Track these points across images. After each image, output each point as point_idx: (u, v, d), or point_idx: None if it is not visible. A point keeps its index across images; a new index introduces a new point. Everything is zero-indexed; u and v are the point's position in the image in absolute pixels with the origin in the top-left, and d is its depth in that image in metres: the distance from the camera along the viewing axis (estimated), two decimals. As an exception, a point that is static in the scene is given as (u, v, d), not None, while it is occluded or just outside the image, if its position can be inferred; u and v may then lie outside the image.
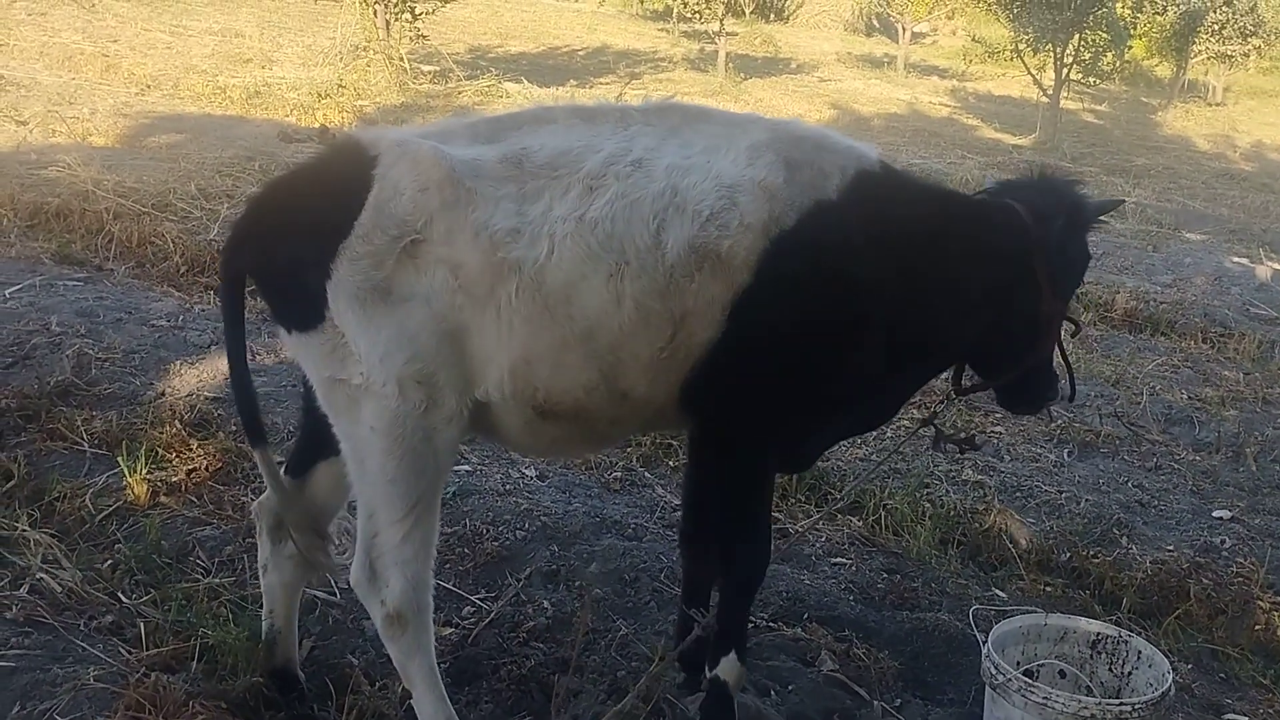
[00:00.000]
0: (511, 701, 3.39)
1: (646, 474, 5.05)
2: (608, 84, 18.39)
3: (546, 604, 3.88)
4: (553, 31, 24.64)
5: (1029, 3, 19.16)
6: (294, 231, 2.83)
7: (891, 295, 2.96)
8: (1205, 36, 25.32)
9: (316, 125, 11.87)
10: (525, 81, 16.38)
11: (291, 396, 5.06)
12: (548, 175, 2.79)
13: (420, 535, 2.86)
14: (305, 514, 3.16)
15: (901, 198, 3.11)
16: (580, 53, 22.12)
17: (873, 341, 2.99)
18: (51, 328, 5.42)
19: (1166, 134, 22.28)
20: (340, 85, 13.99)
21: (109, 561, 3.79)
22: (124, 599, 3.60)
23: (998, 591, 4.42)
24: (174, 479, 4.30)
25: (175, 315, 5.96)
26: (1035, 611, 3.71)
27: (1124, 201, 3.97)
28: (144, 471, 4.23)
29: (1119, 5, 21.30)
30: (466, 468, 4.73)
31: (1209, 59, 26.47)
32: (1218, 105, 26.90)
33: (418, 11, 16.35)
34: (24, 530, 3.80)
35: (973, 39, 24.18)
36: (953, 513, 4.92)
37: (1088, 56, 19.74)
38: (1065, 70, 19.42)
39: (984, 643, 3.34)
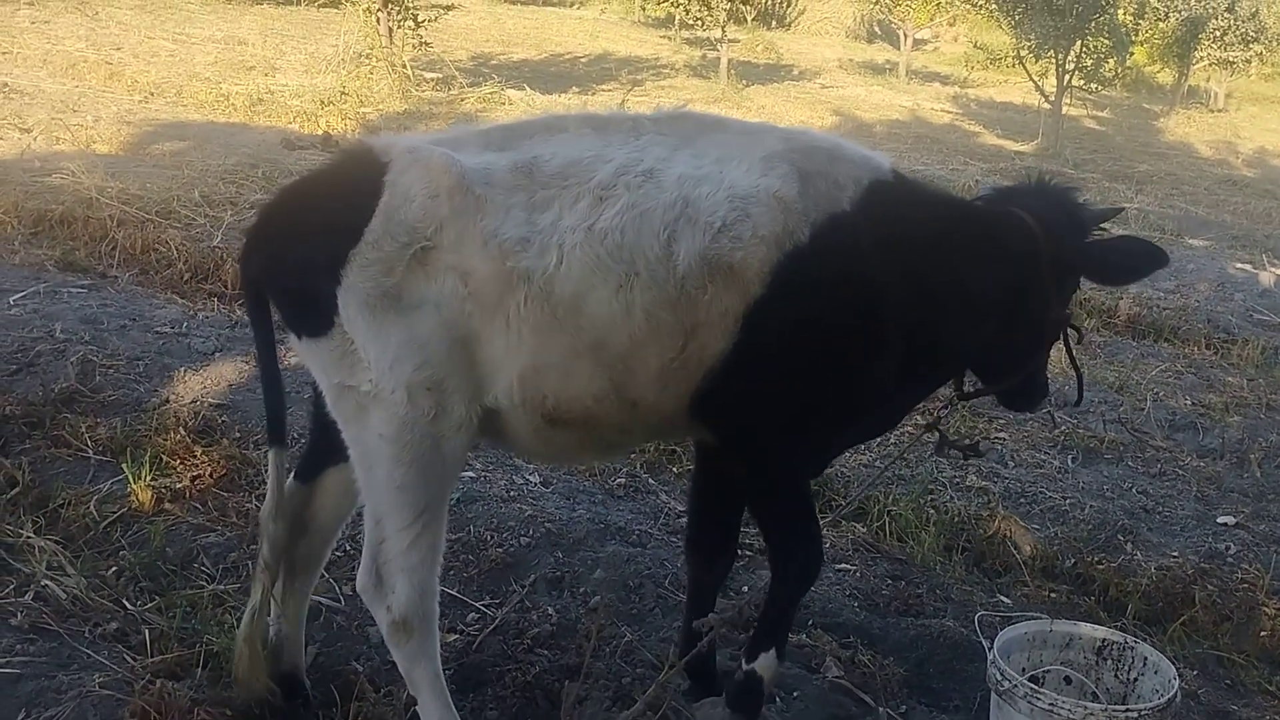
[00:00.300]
0: (516, 708, 3.39)
1: (650, 480, 5.05)
2: (610, 91, 18.42)
3: (551, 610, 3.88)
4: (555, 39, 24.67)
5: (1031, 9, 19.16)
6: (305, 237, 2.83)
7: (906, 305, 2.96)
8: (1207, 43, 25.35)
9: (320, 132, 11.89)
10: (528, 88, 16.41)
11: (295, 402, 5.05)
12: (558, 184, 2.78)
13: (427, 542, 2.86)
14: (289, 532, 3.14)
15: (915, 207, 3.10)
16: (582, 60, 22.14)
17: (887, 351, 2.98)
18: (56, 334, 5.43)
19: (1169, 140, 22.28)
20: (343, 92, 14.01)
21: (114, 568, 3.79)
22: (129, 606, 3.60)
23: (1002, 598, 4.42)
24: (178, 486, 4.30)
25: (179, 322, 5.96)
26: (1041, 618, 3.70)
27: (1123, 209, 3.97)
28: (148, 478, 4.23)
29: (1121, 12, 21.36)
30: (470, 474, 4.73)
31: (1211, 65, 26.49)
32: (1220, 111, 26.91)
33: (420, 19, 16.37)
34: (29, 537, 3.80)
35: (974, 45, 24.27)
36: (957, 519, 4.92)
37: (1090, 63, 19.75)
38: (1067, 77, 19.42)
39: (989, 649, 3.33)
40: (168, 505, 4.19)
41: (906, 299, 2.96)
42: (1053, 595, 4.45)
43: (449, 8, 17.50)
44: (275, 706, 3.18)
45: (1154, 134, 22.93)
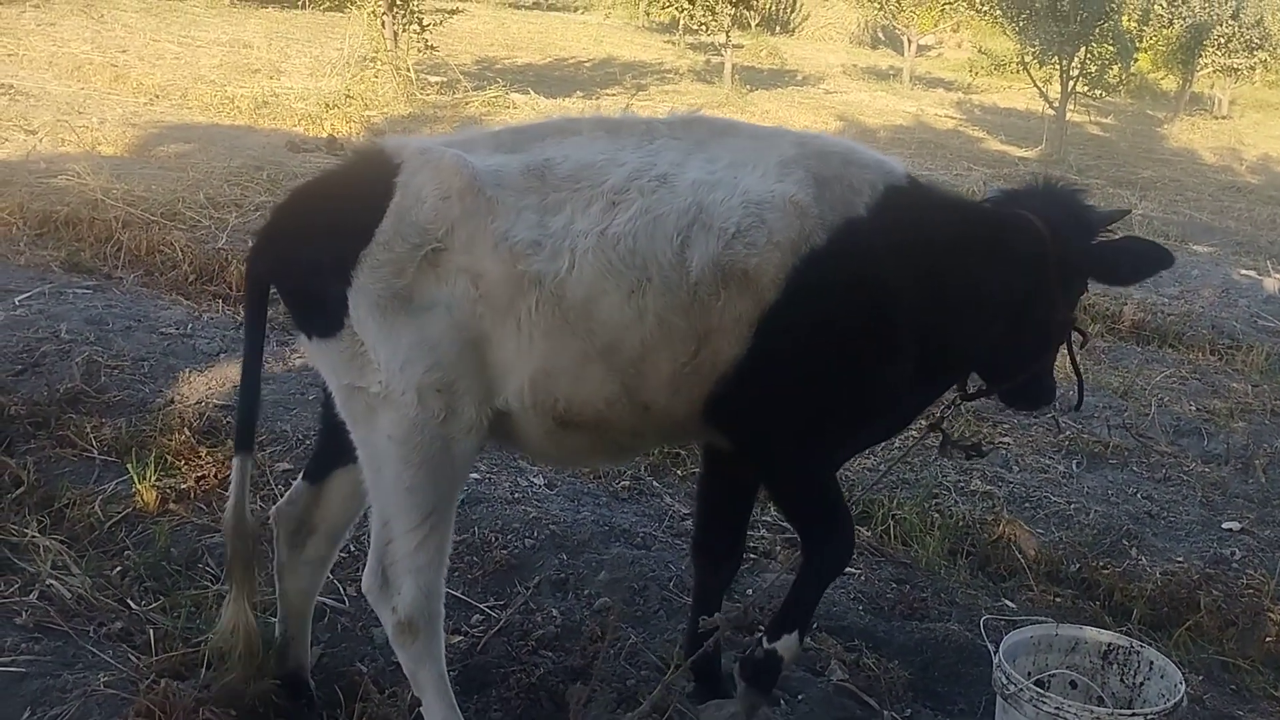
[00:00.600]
0: (520, 709, 3.38)
1: (655, 483, 5.04)
2: (614, 95, 18.44)
3: (555, 612, 3.88)
4: (559, 43, 24.71)
5: (1035, 15, 19.20)
6: (316, 238, 2.83)
7: (921, 309, 2.95)
8: (1211, 50, 25.36)
9: (324, 135, 11.91)
10: (532, 93, 16.43)
11: (300, 404, 5.07)
12: (570, 187, 2.77)
13: (434, 543, 2.85)
14: (253, 546, 3.11)
15: (929, 212, 3.09)
16: (586, 64, 22.17)
17: (901, 355, 2.97)
18: (61, 335, 5.43)
19: (1172, 147, 22.29)
20: (348, 96, 14.03)
21: (118, 568, 3.79)
22: (133, 605, 3.60)
23: (1007, 602, 4.41)
24: (183, 486, 4.30)
25: (184, 323, 5.96)
26: (1046, 622, 3.70)
27: (1130, 212, 3.97)
28: (153, 479, 4.23)
29: (1125, 18, 21.37)
30: (475, 475, 4.72)
31: (1215, 72, 26.50)
32: (1224, 118, 26.90)
33: (425, 23, 16.40)
34: (34, 537, 3.80)
35: (979, 51, 24.29)
36: (961, 523, 4.91)
37: (1094, 69, 19.78)
38: (1071, 83, 19.44)
39: (995, 653, 3.32)
40: (172, 506, 4.19)
41: (920, 302, 2.95)
42: (1058, 600, 4.44)
43: (454, 12, 17.54)
44: (280, 706, 3.18)
45: (1158, 140, 22.94)
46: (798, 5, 34.89)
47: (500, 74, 18.10)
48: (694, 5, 21.05)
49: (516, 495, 4.62)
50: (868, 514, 4.91)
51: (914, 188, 3.08)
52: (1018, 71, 20.78)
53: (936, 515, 4.93)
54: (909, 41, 26.72)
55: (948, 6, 25.89)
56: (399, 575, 2.87)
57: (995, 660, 3.29)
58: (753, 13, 22.45)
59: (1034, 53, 19.46)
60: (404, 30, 16.05)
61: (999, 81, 25.53)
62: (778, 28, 33.39)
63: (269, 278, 2.95)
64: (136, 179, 8.68)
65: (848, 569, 4.41)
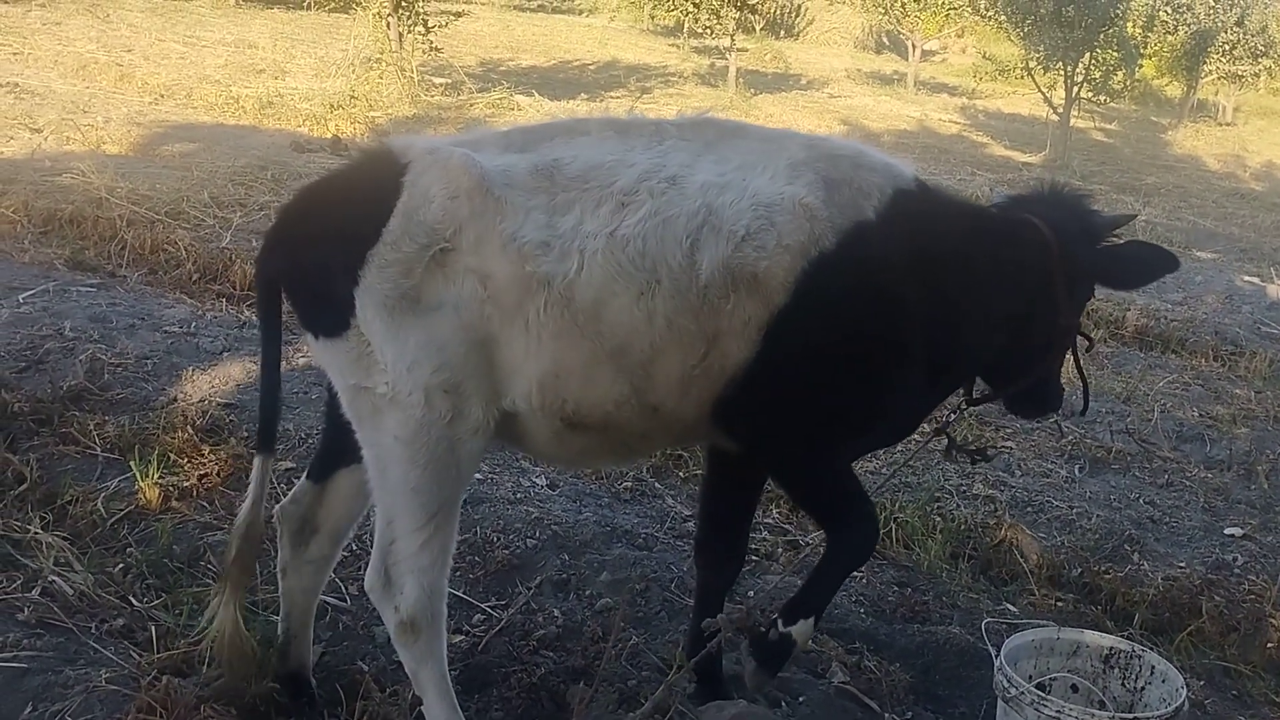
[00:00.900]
0: (521, 709, 3.38)
1: (657, 484, 5.04)
2: (618, 98, 18.45)
3: (557, 612, 3.88)
4: (563, 45, 24.74)
5: (1040, 21, 19.19)
6: (323, 237, 2.82)
7: (928, 312, 2.94)
8: (1216, 56, 25.39)
9: (329, 136, 11.92)
10: (536, 95, 16.44)
11: (304, 403, 5.08)
12: (579, 187, 2.76)
13: (438, 544, 2.85)
14: (258, 550, 3.13)
15: (937, 215, 3.09)
16: (591, 67, 22.20)
17: (910, 358, 2.97)
18: (65, 333, 5.44)
19: (1176, 153, 22.28)
20: (352, 96, 14.05)
21: (120, 565, 3.79)
22: (135, 602, 3.60)
23: (1009, 606, 4.40)
24: (186, 484, 4.31)
25: (187, 322, 5.97)
26: (1048, 625, 3.69)
27: (1135, 216, 3.97)
28: (156, 476, 4.23)
29: (1130, 24, 21.37)
30: (478, 475, 4.72)
31: (1219, 79, 26.54)
32: (1228, 125, 26.92)
33: (430, 24, 16.43)
34: (36, 533, 3.81)
35: (983, 57, 24.28)
36: (964, 526, 4.91)
37: (1098, 75, 19.77)
38: (1076, 89, 19.44)
39: (996, 656, 3.32)
40: (175, 503, 4.19)
41: (928, 306, 2.94)
42: (1059, 604, 4.44)
43: (459, 14, 17.57)
44: (281, 705, 3.18)
45: (1162, 146, 22.95)
46: (802, 9, 34.93)
47: (505, 76, 18.14)
48: (699, 9, 21.08)
49: (519, 495, 4.62)
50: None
51: (922, 191, 3.08)
52: (1022, 77, 20.78)
53: (938, 518, 4.93)
54: (913, 46, 26.72)
55: (952, 12, 25.92)
56: (402, 575, 2.87)
57: (997, 663, 3.29)
58: (757, 17, 22.49)
59: (1039, 58, 19.45)
60: (409, 31, 16.08)
61: (1003, 87, 25.51)
62: (782, 32, 33.43)
63: (279, 278, 2.94)
64: (141, 178, 8.70)
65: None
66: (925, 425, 4.74)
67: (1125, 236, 3.36)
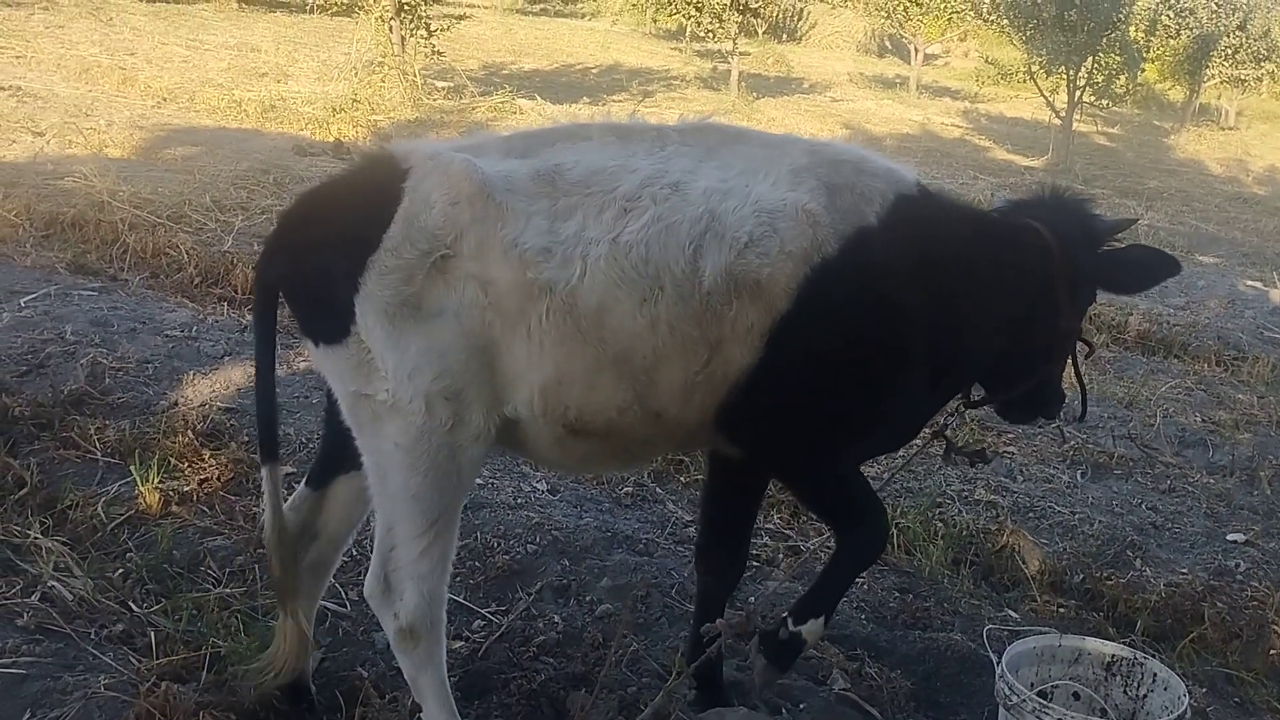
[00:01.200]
0: (521, 716, 3.37)
1: (658, 489, 5.03)
2: (620, 101, 18.45)
3: (557, 619, 3.87)
4: (566, 49, 24.76)
5: (1042, 25, 19.19)
6: (323, 243, 2.80)
7: (931, 317, 2.94)
8: (1218, 60, 25.39)
9: (331, 139, 11.93)
10: (539, 98, 16.45)
11: (303, 408, 5.07)
12: (581, 193, 2.74)
13: (438, 550, 2.84)
14: (298, 541, 3.13)
15: (940, 221, 3.08)
16: (593, 70, 22.21)
17: (912, 363, 2.97)
18: (66, 337, 5.44)
19: (1179, 157, 22.26)
20: (355, 100, 14.06)
21: (120, 570, 3.78)
22: (135, 608, 3.60)
23: (1010, 612, 4.39)
24: (186, 489, 4.30)
25: (189, 326, 5.97)
26: (1050, 632, 3.68)
27: (1137, 220, 3.96)
28: (156, 481, 4.23)
29: (1132, 28, 21.37)
30: (478, 480, 4.71)
31: (1222, 83, 26.53)
32: (1230, 129, 26.91)
33: (432, 28, 16.45)
34: (36, 538, 3.81)
35: (986, 61, 24.29)
36: (965, 532, 4.90)
37: (1101, 79, 19.76)
38: (1078, 93, 19.43)
39: (998, 663, 3.31)
40: (175, 508, 4.19)
41: (930, 311, 2.94)
42: (1061, 610, 4.43)
43: (461, 17, 17.58)
44: (280, 710, 3.18)
45: (1164, 151, 22.93)
46: (805, 13, 34.93)
47: (507, 79, 18.13)
48: (701, 12, 21.09)
49: (519, 500, 4.61)
50: (871, 522, 4.89)
51: (924, 196, 3.07)
52: (1024, 81, 20.79)
53: (940, 524, 4.92)
54: (916, 50, 26.73)
55: (955, 16, 25.92)
56: (401, 581, 2.86)
57: (998, 671, 3.28)
58: (760, 20, 22.48)
59: (1041, 62, 19.45)
60: (411, 35, 16.09)
61: (1005, 91, 25.54)
62: (784, 35, 33.43)
63: (278, 285, 2.93)
64: (143, 181, 8.71)
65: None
66: (926, 428, 4.77)
67: (1127, 240, 3.35)
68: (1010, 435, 6.07)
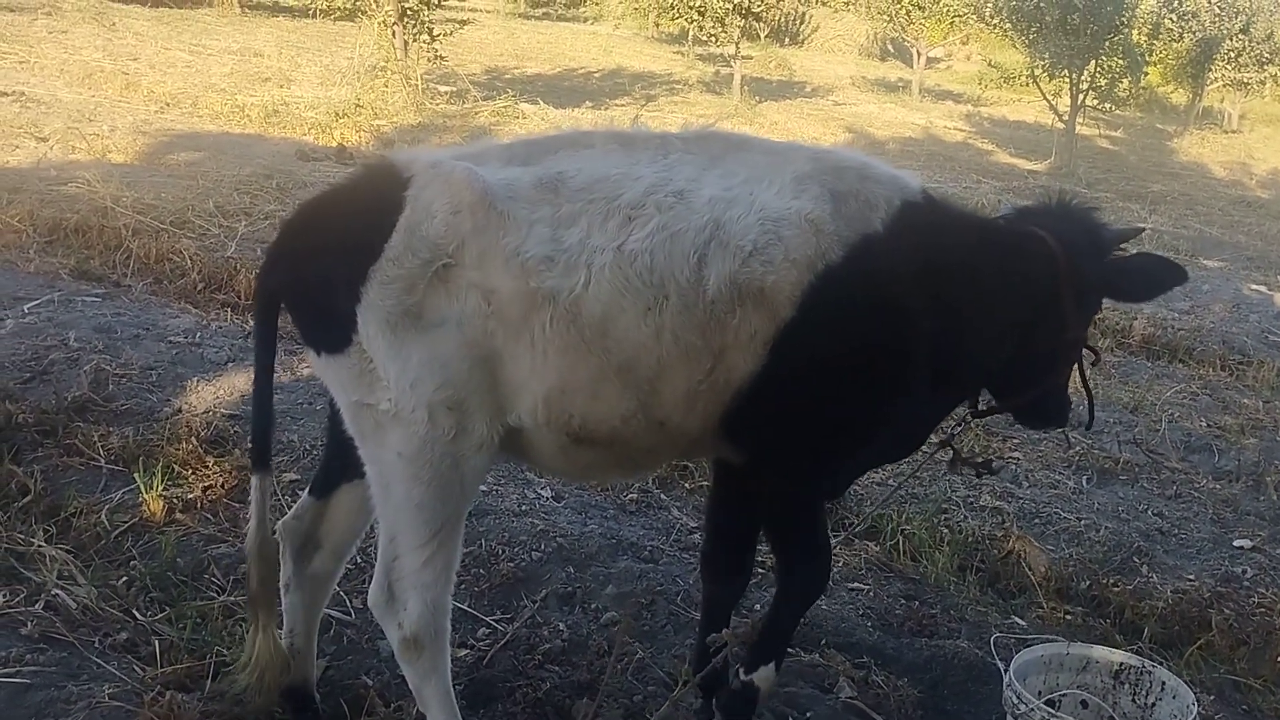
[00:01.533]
0: (527, 725, 3.36)
1: (663, 496, 5.02)
2: (623, 106, 18.46)
3: (562, 626, 3.86)
4: (568, 53, 24.75)
5: (1045, 28, 19.20)
6: (325, 252, 2.79)
7: (935, 325, 2.93)
8: (1222, 64, 25.40)
9: (334, 144, 11.93)
10: (541, 103, 16.45)
11: (307, 414, 5.06)
12: (584, 201, 2.73)
13: (442, 560, 2.83)
14: (274, 565, 3.09)
15: (945, 228, 3.08)
16: (596, 74, 22.20)
17: (917, 371, 2.96)
18: (69, 343, 5.43)
19: (1182, 160, 22.26)
20: (358, 105, 14.05)
21: (124, 578, 3.77)
22: (139, 616, 3.59)
23: (1017, 619, 4.38)
24: (190, 496, 4.29)
25: (192, 332, 5.96)
26: (1057, 640, 3.67)
27: (1144, 230, 3.95)
28: (160, 488, 4.22)
29: (1135, 32, 21.37)
30: (482, 488, 4.70)
31: (1225, 86, 26.54)
32: (1234, 132, 26.90)
33: (435, 33, 16.46)
34: (40, 546, 3.79)
35: (988, 64, 24.29)
36: (971, 539, 4.89)
37: (1104, 82, 19.78)
38: (1081, 96, 19.43)
39: (1005, 671, 3.30)
40: (179, 515, 4.17)
41: (935, 319, 2.93)
42: (1068, 617, 4.41)
43: (464, 22, 17.59)
44: (285, 719, 3.16)
45: (1167, 154, 22.92)
46: (807, 17, 34.94)
47: (510, 84, 18.12)
48: (703, 17, 21.09)
49: (524, 508, 4.60)
50: (876, 529, 4.89)
51: (929, 203, 3.06)
52: (1027, 84, 20.79)
53: (946, 530, 4.91)
54: (918, 54, 26.72)
55: (957, 19, 25.92)
56: (405, 591, 2.85)
57: (1006, 679, 3.27)
58: (762, 24, 22.49)
59: (1044, 66, 19.45)
60: (414, 40, 16.10)
61: (1008, 94, 25.55)
62: (787, 39, 33.43)
63: (279, 294, 2.92)
64: (146, 187, 8.70)
65: (856, 584, 4.43)
66: (933, 436, 4.75)
67: (1134, 248, 3.34)
68: (1016, 441, 6.06)
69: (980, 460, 3.68)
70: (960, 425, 3.75)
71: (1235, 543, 5.30)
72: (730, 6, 20.53)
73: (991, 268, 3.07)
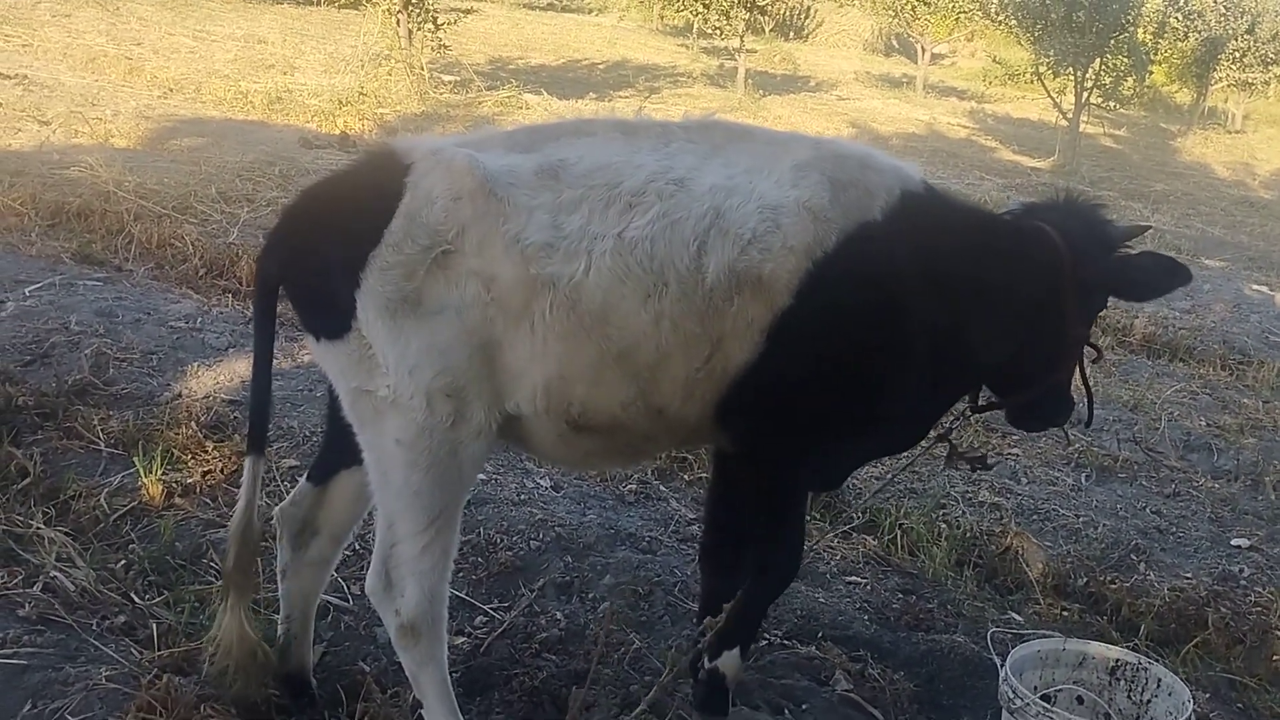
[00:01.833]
0: (523, 713, 3.36)
1: (661, 487, 5.02)
2: (627, 98, 18.45)
3: (559, 615, 3.86)
4: (573, 44, 24.73)
5: (1050, 26, 19.17)
6: (324, 239, 2.79)
7: (933, 315, 2.93)
8: (1226, 64, 25.37)
9: (337, 132, 11.92)
10: (545, 93, 16.44)
11: (308, 401, 5.06)
12: (585, 188, 2.73)
13: (440, 547, 2.83)
14: (255, 550, 3.08)
15: (945, 219, 3.08)
16: (600, 66, 22.18)
17: (912, 361, 2.96)
18: (70, 327, 5.43)
19: (1185, 160, 22.24)
20: (361, 93, 14.04)
21: (123, 561, 3.77)
22: (137, 599, 3.59)
23: (1014, 615, 4.38)
24: (189, 480, 4.29)
25: (193, 317, 5.96)
26: (1054, 636, 3.67)
27: (1149, 228, 3.95)
28: (159, 472, 4.22)
29: (1140, 31, 21.33)
30: (481, 476, 4.70)
31: (1229, 86, 26.52)
32: (1237, 133, 26.87)
33: (440, 22, 16.44)
34: (39, 528, 3.79)
35: (993, 61, 24.24)
36: (969, 534, 4.89)
37: (1108, 81, 19.77)
38: (1085, 94, 19.41)
39: (1001, 666, 3.30)
40: (178, 500, 4.18)
41: (933, 309, 2.93)
42: (1065, 614, 4.41)
43: (468, 11, 17.56)
44: (281, 705, 3.17)
45: (1171, 153, 22.90)
46: (812, 11, 34.88)
47: (514, 74, 18.12)
48: (708, 9, 21.09)
49: (522, 497, 4.60)
50: (874, 523, 4.89)
51: (930, 194, 3.06)
52: (1032, 82, 20.76)
53: (944, 526, 4.91)
54: (923, 50, 26.69)
55: (963, 15, 25.88)
56: (403, 578, 2.85)
57: (1002, 674, 3.27)
58: (767, 18, 22.47)
59: (1048, 63, 19.43)
60: (418, 29, 16.09)
61: (1013, 91, 25.50)
62: (791, 33, 33.38)
63: (278, 279, 2.92)
64: (149, 172, 8.70)
65: (853, 577, 4.43)
66: (932, 431, 4.76)
67: (1139, 247, 3.33)
68: (1015, 438, 6.06)
69: (976, 455, 3.68)
70: (959, 420, 3.76)
71: (1233, 542, 5.30)
72: (735, 0, 20.51)
73: (992, 259, 3.07)
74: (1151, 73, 23.48)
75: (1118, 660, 3.50)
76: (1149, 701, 3.43)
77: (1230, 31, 25.45)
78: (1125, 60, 19.83)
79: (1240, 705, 4.04)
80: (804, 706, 3.57)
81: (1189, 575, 4.83)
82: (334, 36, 18.59)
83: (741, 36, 21.06)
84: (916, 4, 25.68)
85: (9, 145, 9.17)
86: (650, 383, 2.78)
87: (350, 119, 12.71)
